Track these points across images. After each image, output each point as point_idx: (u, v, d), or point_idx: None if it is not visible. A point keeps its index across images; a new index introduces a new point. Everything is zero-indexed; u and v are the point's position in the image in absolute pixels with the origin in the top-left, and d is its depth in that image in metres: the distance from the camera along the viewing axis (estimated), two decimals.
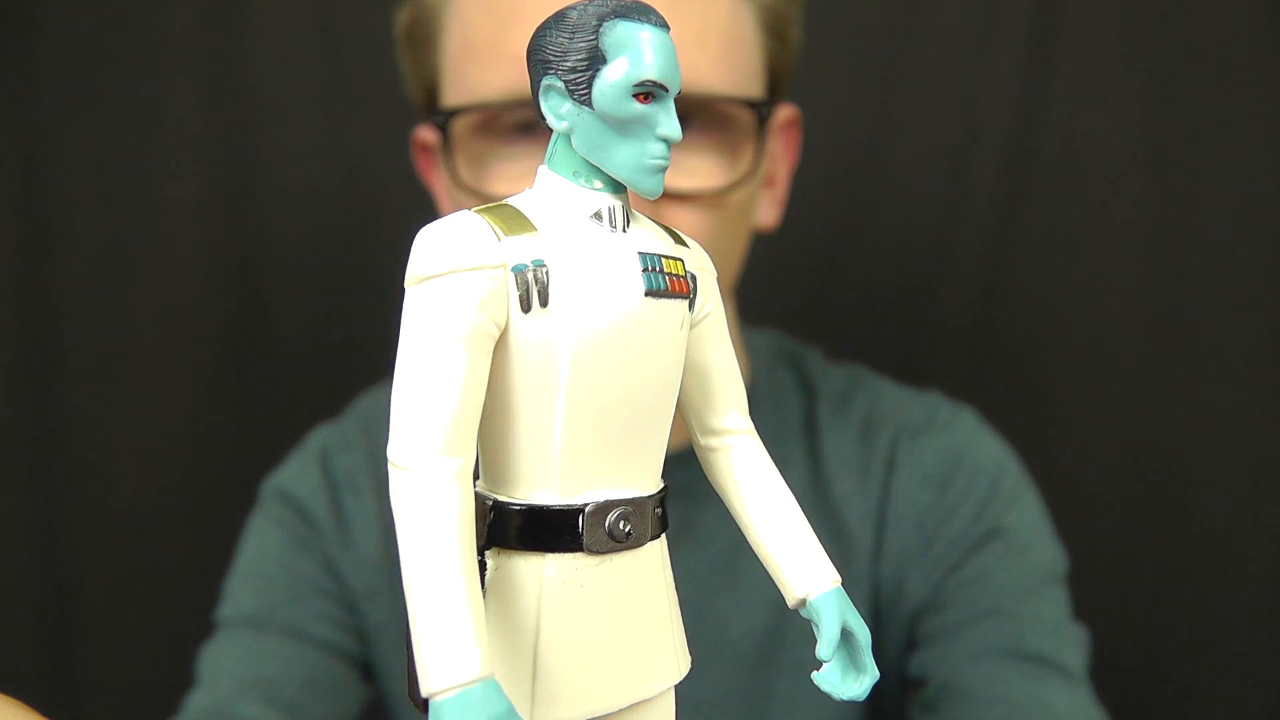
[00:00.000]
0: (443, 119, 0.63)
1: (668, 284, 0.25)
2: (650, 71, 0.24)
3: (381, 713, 0.74)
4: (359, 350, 1.03)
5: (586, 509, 0.25)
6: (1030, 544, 0.71)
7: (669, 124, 0.25)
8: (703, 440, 0.29)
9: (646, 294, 0.25)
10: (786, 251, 0.99)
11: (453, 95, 0.64)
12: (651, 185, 0.25)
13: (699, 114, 0.61)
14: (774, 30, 0.65)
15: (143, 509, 1.04)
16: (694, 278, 0.26)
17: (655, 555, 0.27)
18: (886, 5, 1.01)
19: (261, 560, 0.73)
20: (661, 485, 0.27)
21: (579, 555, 0.25)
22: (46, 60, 1.00)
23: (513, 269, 0.25)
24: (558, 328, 0.24)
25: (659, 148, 0.25)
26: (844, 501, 0.72)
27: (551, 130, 0.26)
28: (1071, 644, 0.68)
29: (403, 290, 0.26)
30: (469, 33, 0.63)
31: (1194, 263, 1.00)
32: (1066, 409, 1.02)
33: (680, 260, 0.26)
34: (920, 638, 0.70)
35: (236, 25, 1.01)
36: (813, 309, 1.04)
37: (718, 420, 0.28)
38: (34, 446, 1.03)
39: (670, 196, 0.60)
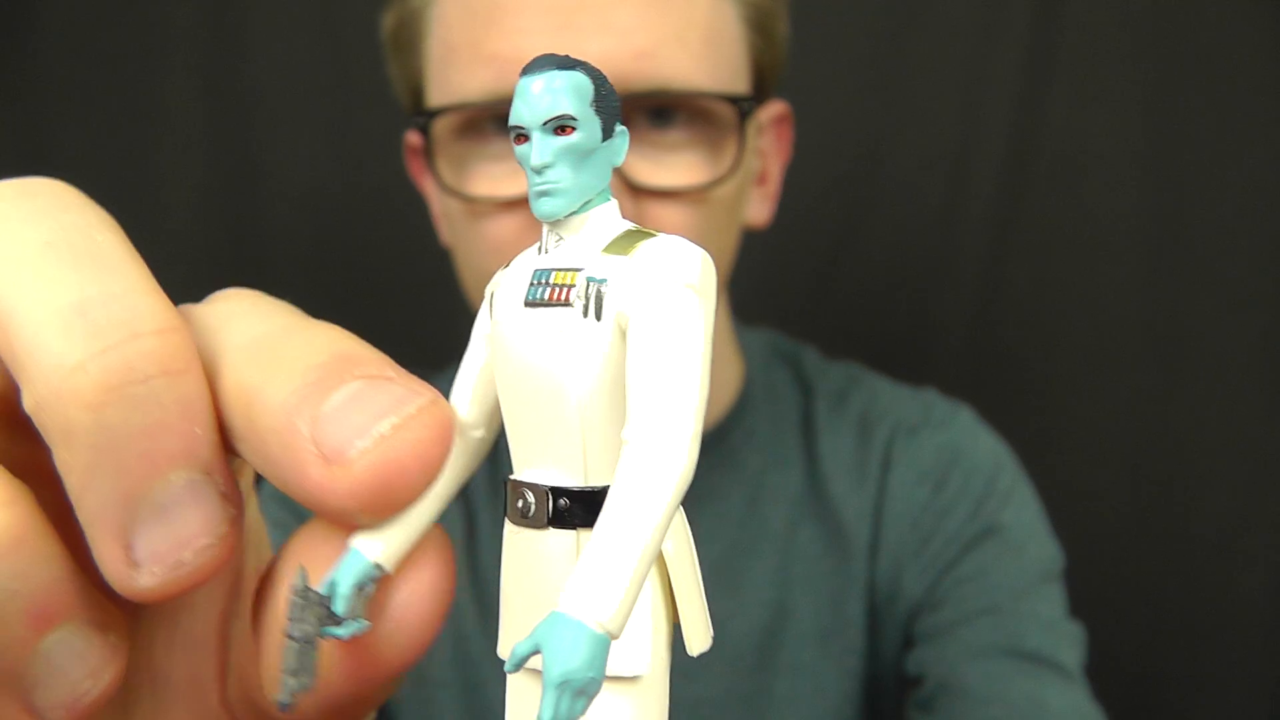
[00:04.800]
0: (424, 120, 0.64)
1: (547, 295, 0.28)
2: (511, 119, 0.28)
3: (381, 714, 0.75)
4: None
5: (509, 483, 0.29)
6: (1026, 541, 0.71)
7: (530, 156, 0.28)
8: None
9: (526, 304, 0.28)
10: (786, 251, 0.99)
11: (435, 97, 0.64)
12: (537, 210, 0.28)
13: (682, 110, 0.61)
14: (758, 26, 0.65)
15: None
16: (596, 285, 0.28)
17: (564, 544, 0.28)
18: (887, 5, 1.01)
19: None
20: (587, 484, 0.28)
21: (509, 522, 0.29)
22: (46, 60, 1.00)
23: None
24: (492, 335, 0.30)
25: (534, 178, 0.28)
26: (841, 500, 0.72)
27: None
28: (1068, 642, 0.68)
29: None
30: (449, 34, 0.63)
31: (1194, 262, 1.00)
32: (1066, 409, 1.02)
33: (573, 271, 0.28)
34: (917, 636, 0.70)
35: (236, 25, 1.01)
36: (813, 308, 1.04)
37: (624, 430, 0.28)
38: None
39: (654, 193, 0.60)
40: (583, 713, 0.25)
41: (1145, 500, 1.02)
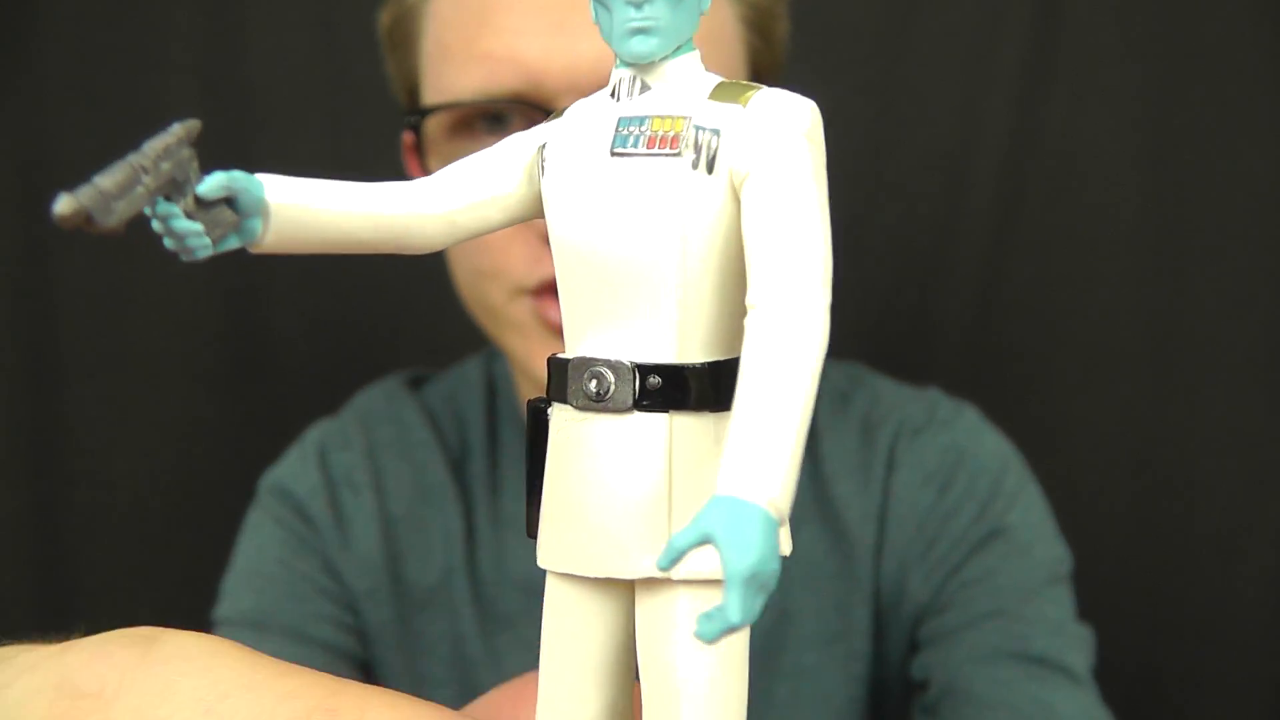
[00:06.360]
0: (416, 119, 0.64)
1: (644, 142, 0.26)
2: None
3: None
4: (358, 348, 1.03)
5: (570, 363, 0.26)
6: (1033, 543, 0.70)
7: None
8: None
9: (613, 153, 0.26)
10: None
11: (429, 95, 0.64)
12: (629, 49, 0.26)
13: None
14: (757, 26, 0.65)
15: (143, 509, 1.04)
16: (709, 134, 0.25)
17: (654, 430, 0.25)
18: (886, 5, 1.01)
19: (261, 559, 0.72)
20: (683, 360, 0.25)
21: (567, 408, 0.26)
22: (46, 60, 1.00)
23: (538, 148, 0.28)
24: (548, 194, 0.27)
25: (627, 11, 0.25)
26: (844, 502, 0.71)
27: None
28: (1076, 645, 0.67)
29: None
30: (444, 33, 0.63)
31: (1194, 262, 1.00)
32: (1067, 409, 1.02)
33: (681, 118, 0.25)
34: (922, 640, 0.69)
35: (236, 25, 1.01)
36: None
37: (746, 296, 0.25)
38: (34, 447, 1.03)
39: None
40: (760, 614, 0.22)
41: (1145, 500, 1.02)
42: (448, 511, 0.72)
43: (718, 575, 0.24)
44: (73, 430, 1.03)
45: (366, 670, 0.73)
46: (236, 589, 0.72)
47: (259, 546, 0.73)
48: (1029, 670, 0.65)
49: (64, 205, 0.21)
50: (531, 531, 0.28)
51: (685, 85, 0.27)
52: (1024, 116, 1.00)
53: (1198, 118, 0.99)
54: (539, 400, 0.28)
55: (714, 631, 0.21)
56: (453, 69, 0.62)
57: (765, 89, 0.26)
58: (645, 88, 0.26)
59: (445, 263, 0.70)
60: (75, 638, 0.31)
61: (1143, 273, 1.01)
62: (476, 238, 0.29)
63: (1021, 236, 1.01)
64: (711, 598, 0.25)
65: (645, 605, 0.26)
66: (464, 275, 0.67)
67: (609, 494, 0.25)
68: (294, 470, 0.75)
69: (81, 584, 1.03)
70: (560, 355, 0.26)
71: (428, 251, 0.28)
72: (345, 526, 0.73)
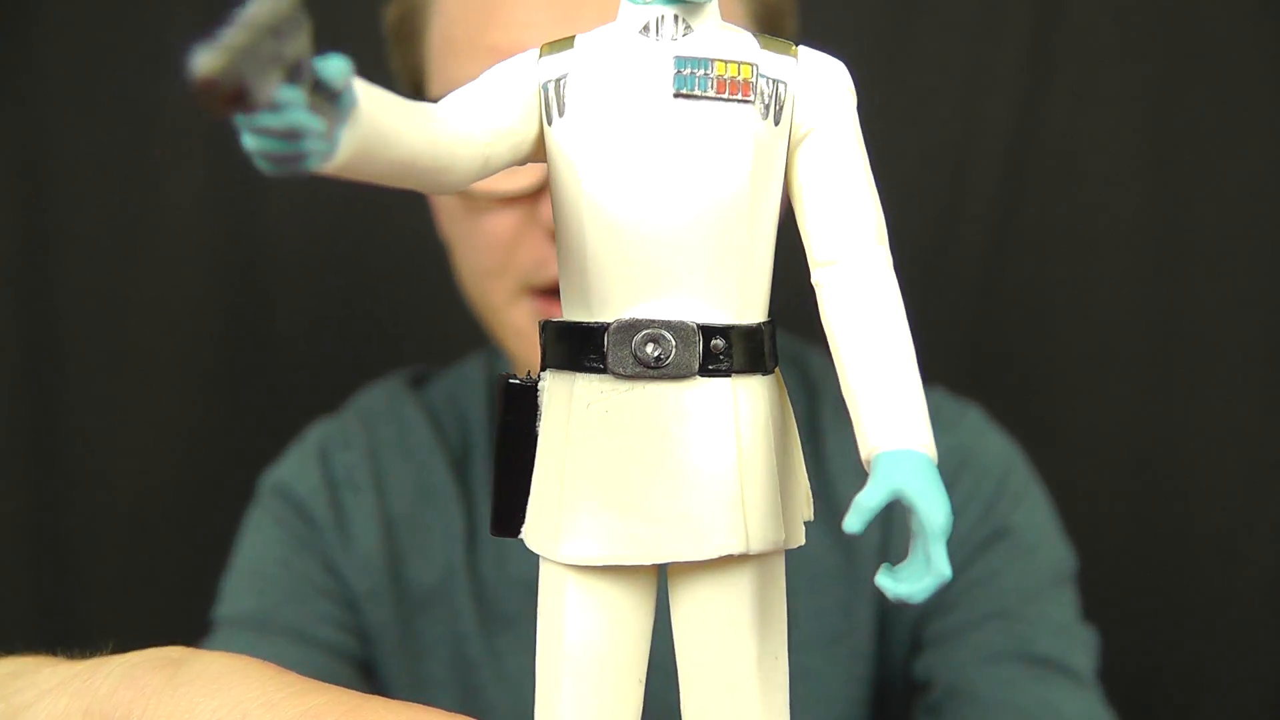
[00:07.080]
0: None
1: (713, 86, 0.24)
2: None
3: None
4: (358, 347, 1.03)
5: (611, 326, 0.23)
6: (1038, 544, 0.70)
7: None
8: (811, 279, 0.26)
9: (676, 95, 0.24)
10: (786, 251, 0.99)
11: (435, 89, 0.64)
12: None
13: None
14: (767, 23, 0.65)
15: (143, 508, 1.04)
16: (777, 84, 0.24)
17: (720, 397, 0.24)
18: (887, 5, 1.01)
19: (261, 559, 0.72)
20: (741, 320, 0.24)
21: (606, 378, 0.23)
22: (46, 60, 1.00)
23: (540, 85, 0.25)
24: (574, 136, 0.24)
25: None
26: (848, 502, 0.70)
27: None
28: (1080, 646, 0.67)
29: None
30: (450, 27, 0.63)
31: (1194, 263, 1.00)
32: (1066, 409, 1.02)
33: (747, 64, 0.24)
34: (926, 640, 0.69)
35: None
36: (813, 309, 1.03)
37: (813, 252, 0.25)
38: (34, 447, 1.03)
39: None
40: None
41: (1144, 500, 1.02)
42: (449, 511, 0.72)
43: (792, 544, 0.25)
44: (73, 430, 1.03)
45: (367, 670, 0.73)
46: (236, 589, 0.72)
47: (259, 547, 0.73)
48: (1033, 671, 0.65)
49: (209, 64, 0.15)
50: (504, 528, 0.26)
51: (721, 30, 0.25)
52: (1024, 116, 1.00)
53: (1198, 118, 0.99)
54: (512, 376, 0.26)
55: (926, 589, 0.21)
56: (459, 63, 0.62)
57: (801, 45, 0.25)
58: (689, 29, 0.25)
59: (447, 261, 0.70)
60: (101, 655, 0.31)
61: (1143, 273, 1.01)
62: (499, 171, 0.26)
63: (1021, 236, 1.01)
64: (773, 568, 0.25)
65: (706, 587, 0.24)
66: (467, 273, 0.67)
67: (669, 470, 0.23)
68: (294, 470, 0.75)
69: (81, 584, 1.03)
70: (580, 320, 0.24)
71: (456, 190, 0.26)
72: (346, 526, 0.72)
